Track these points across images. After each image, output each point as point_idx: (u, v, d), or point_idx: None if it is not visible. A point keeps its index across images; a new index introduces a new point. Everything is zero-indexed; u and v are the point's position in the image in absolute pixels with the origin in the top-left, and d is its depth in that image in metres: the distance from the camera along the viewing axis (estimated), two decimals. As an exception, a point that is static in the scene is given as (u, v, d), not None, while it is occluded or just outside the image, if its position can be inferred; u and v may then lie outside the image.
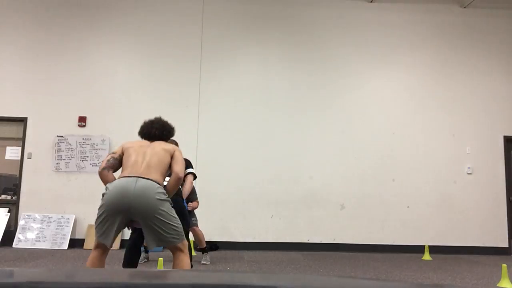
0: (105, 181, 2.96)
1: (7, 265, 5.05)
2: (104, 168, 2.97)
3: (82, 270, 0.82)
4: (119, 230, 2.88)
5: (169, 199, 2.91)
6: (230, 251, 6.72)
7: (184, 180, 4.29)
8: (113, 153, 3.06)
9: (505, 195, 7.37)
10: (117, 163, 3.03)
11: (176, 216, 2.91)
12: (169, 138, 3.29)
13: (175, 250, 2.92)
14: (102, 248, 2.92)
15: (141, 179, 2.82)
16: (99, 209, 2.86)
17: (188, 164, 4.44)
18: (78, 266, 5.15)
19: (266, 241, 7.02)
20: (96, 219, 2.88)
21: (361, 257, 6.46)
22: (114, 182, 2.86)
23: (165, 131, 3.23)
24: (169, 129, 3.28)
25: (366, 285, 0.77)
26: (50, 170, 7.01)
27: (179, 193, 4.12)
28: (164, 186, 2.97)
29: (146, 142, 3.13)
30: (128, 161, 2.96)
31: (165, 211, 2.82)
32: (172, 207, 2.93)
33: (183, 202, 4.24)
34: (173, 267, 2.97)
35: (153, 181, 2.85)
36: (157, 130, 3.19)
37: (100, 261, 2.92)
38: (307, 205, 7.15)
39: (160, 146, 3.06)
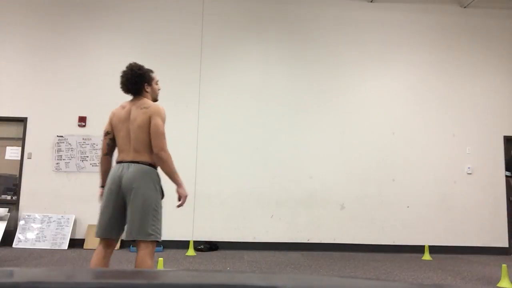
0: (103, 167, 3.05)
1: (7, 265, 5.05)
2: (106, 154, 3.04)
3: (82, 270, 0.82)
4: (118, 217, 2.85)
5: (156, 188, 2.83)
6: (230, 251, 6.72)
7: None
8: (107, 133, 3.03)
9: (505, 195, 7.37)
10: (114, 143, 3.06)
11: (158, 212, 2.82)
12: (142, 88, 3.00)
13: (142, 247, 2.77)
14: (105, 243, 2.88)
15: (132, 164, 2.84)
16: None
17: None
18: (78, 266, 5.15)
19: (266, 241, 7.02)
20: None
21: (361, 257, 6.45)
22: (110, 173, 2.93)
23: (130, 84, 2.97)
24: (134, 80, 2.96)
25: (366, 285, 0.77)
26: (50, 170, 7.01)
27: None
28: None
29: (127, 109, 2.98)
30: (118, 143, 2.97)
31: (147, 195, 2.77)
32: None
33: None
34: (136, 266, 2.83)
35: (143, 163, 2.84)
36: (123, 86, 3.02)
37: (103, 259, 2.85)
38: (307, 205, 7.15)
39: (137, 118, 2.88)
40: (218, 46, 7.43)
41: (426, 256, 6.44)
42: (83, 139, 7.09)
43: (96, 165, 7.04)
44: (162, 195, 2.92)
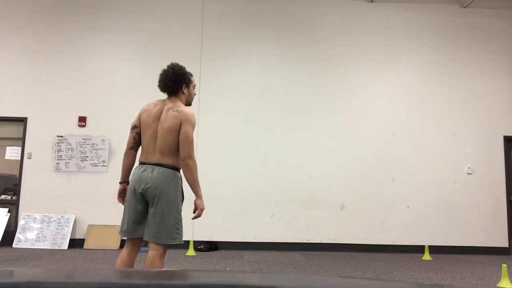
0: (126, 162, 2.94)
1: (7, 265, 5.05)
2: (131, 148, 2.94)
3: (82, 270, 0.82)
4: (141, 217, 2.81)
5: (179, 191, 2.82)
6: (230, 251, 6.72)
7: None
8: (135, 126, 2.94)
9: (505, 195, 7.37)
10: (140, 137, 2.95)
11: (180, 214, 2.84)
12: (180, 88, 2.97)
13: (154, 248, 2.76)
14: (129, 244, 2.86)
15: (156, 167, 2.78)
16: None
17: None
18: (78, 266, 5.15)
19: (266, 241, 7.02)
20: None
21: (361, 257, 6.45)
22: (132, 173, 2.88)
23: (169, 82, 2.95)
24: (173, 79, 2.95)
25: (366, 285, 0.77)
26: (50, 170, 7.01)
27: None
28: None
29: (158, 108, 2.91)
30: (143, 141, 2.89)
31: (171, 199, 2.76)
32: None
33: None
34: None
35: (167, 166, 2.79)
36: (161, 84, 3.00)
37: (128, 260, 2.83)
38: (307, 205, 7.15)
39: (167, 120, 2.82)
40: (218, 47, 7.43)
41: (426, 256, 6.44)
42: (83, 139, 7.08)
43: (96, 165, 7.04)
44: (183, 198, 2.93)
